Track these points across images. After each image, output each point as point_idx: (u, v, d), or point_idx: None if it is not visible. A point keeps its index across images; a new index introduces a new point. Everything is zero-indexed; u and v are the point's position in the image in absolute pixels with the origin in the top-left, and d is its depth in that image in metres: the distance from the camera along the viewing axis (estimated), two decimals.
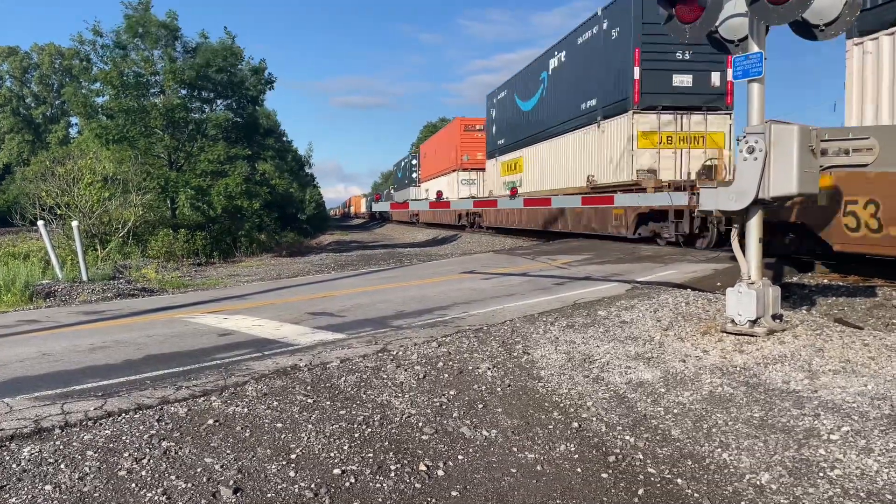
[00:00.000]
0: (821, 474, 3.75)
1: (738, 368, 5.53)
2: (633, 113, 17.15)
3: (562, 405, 5.12)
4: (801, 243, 11.18)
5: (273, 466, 4.02)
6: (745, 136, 6.01)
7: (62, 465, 4.01)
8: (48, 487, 3.73)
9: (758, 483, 3.72)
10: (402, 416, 4.87)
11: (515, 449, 4.33)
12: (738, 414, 4.65)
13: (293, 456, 4.17)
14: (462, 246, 26.95)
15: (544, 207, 21.42)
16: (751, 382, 5.21)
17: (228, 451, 4.23)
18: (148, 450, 4.23)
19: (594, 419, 4.81)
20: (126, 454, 4.16)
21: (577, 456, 4.21)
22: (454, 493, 3.73)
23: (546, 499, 3.68)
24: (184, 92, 24.60)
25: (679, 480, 3.82)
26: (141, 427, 4.62)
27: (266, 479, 3.85)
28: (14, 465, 4.00)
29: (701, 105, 17.49)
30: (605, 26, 18.79)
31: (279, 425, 4.68)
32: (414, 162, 52.22)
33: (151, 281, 14.15)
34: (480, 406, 5.11)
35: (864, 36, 10.05)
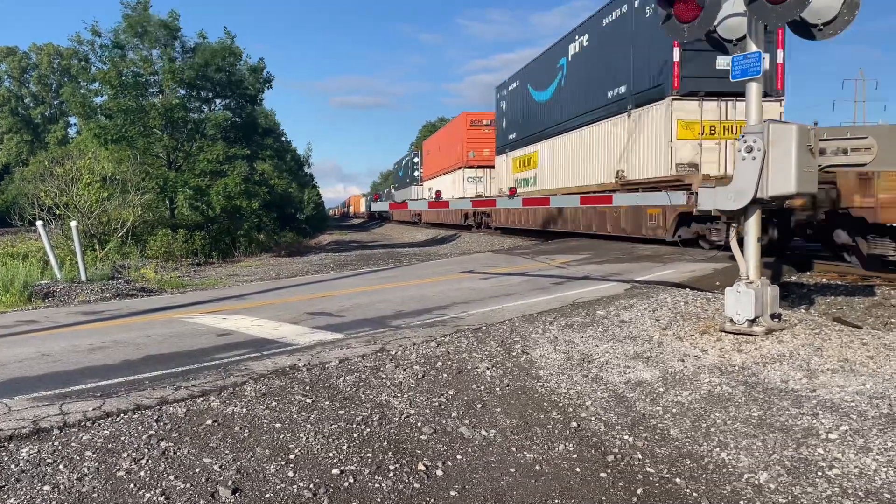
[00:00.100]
0: (819, 473, 3.76)
1: (736, 368, 5.53)
2: (672, 100, 15.12)
3: (561, 405, 5.12)
4: None
5: (272, 466, 4.02)
6: (743, 136, 6.02)
7: (61, 466, 4.00)
8: (46, 488, 3.73)
9: (756, 482, 3.73)
10: (401, 416, 4.87)
11: (514, 449, 4.34)
12: (737, 413, 4.66)
13: (292, 456, 4.17)
14: (461, 246, 26.96)
15: (564, 207, 20.28)
16: (749, 382, 5.21)
17: (227, 452, 4.23)
18: (146, 450, 4.23)
19: (593, 419, 4.81)
20: (125, 454, 4.16)
21: (575, 455, 4.21)
22: (453, 493, 3.73)
23: (545, 498, 3.68)
24: (182, 92, 24.59)
25: (678, 480, 3.83)
26: (140, 427, 4.62)
27: (265, 480, 3.85)
28: (13, 466, 4.00)
29: None
30: (636, 4, 16.88)
31: (278, 425, 4.68)
32: (416, 160, 50.82)
33: (150, 281, 14.14)
34: (479, 406, 5.11)
35: None
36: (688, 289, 9.41)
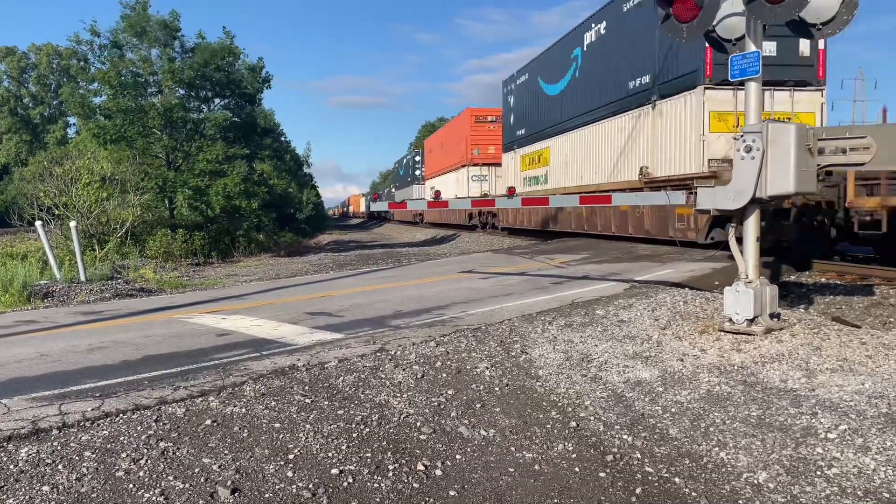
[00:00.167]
0: (818, 473, 3.76)
1: (735, 367, 5.53)
2: (705, 89, 13.88)
3: (560, 404, 5.13)
4: None
5: (271, 466, 4.02)
6: (742, 136, 6.02)
7: (60, 466, 4.00)
8: (46, 488, 3.73)
9: (755, 482, 3.73)
10: (401, 416, 4.87)
11: (513, 448, 4.34)
12: (736, 413, 4.66)
13: (291, 456, 4.17)
14: (461, 245, 26.97)
15: (583, 206, 18.99)
16: (748, 381, 5.21)
17: (226, 452, 4.23)
18: (146, 450, 4.23)
19: (592, 418, 4.81)
20: (124, 455, 4.16)
21: (574, 455, 4.22)
22: (452, 493, 3.73)
23: (544, 498, 3.68)
24: (182, 92, 24.58)
25: (677, 479, 3.83)
26: (139, 427, 4.61)
27: (264, 480, 3.85)
28: (11, 466, 4.00)
29: (787, 79, 14.13)
30: None
31: (277, 425, 4.68)
32: (417, 158, 49.66)
33: (149, 281, 14.14)
34: (478, 405, 5.12)
35: None
36: (687, 288, 9.42)
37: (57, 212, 18.66)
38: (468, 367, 6.06)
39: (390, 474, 3.93)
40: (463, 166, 33.43)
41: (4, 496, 3.64)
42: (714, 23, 6.55)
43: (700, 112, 14.12)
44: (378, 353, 6.56)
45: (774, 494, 3.58)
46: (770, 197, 5.99)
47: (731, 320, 6.29)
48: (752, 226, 6.26)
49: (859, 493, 3.53)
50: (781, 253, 12.06)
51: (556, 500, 3.66)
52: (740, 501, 3.55)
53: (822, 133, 6.15)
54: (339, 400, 5.23)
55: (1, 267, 13.11)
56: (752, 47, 6.16)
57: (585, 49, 20.00)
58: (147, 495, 3.65)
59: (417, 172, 49.00)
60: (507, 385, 5.59)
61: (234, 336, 7.68)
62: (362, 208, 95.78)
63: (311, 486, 3.77)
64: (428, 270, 15.12)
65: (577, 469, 4.02)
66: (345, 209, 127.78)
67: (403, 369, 6.01)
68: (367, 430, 4.61)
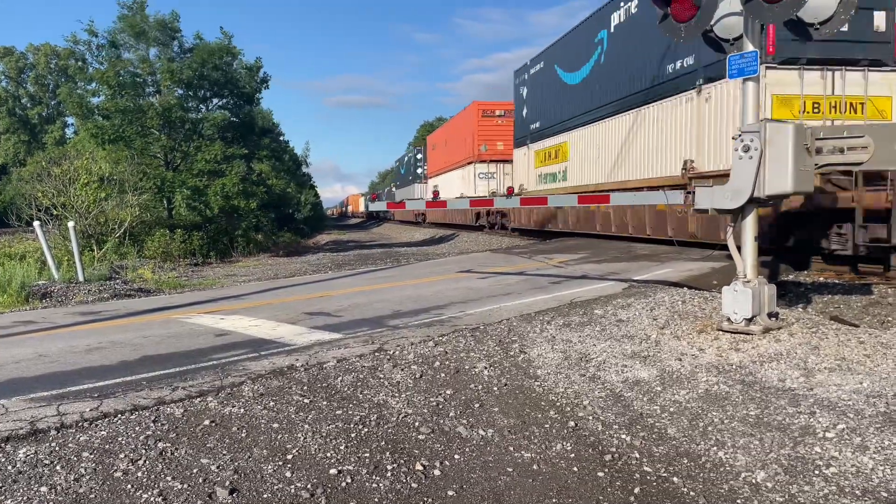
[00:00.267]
0: (816, 472, 3.76)
1: (733, 367, 5.54)
2: (766, 69, 11.88)
3: (558, 404, 5.13)
4: None
5: (269, 467, 4.01)
6: (740, 135, 6.03)
7: (58, 467, 4.00)
8: (44, 489, 3.72)
9: (753, 481, 3.73)
10: (399, 416, 4.87)
11: (512, 448, 4.34)
12: (734, 412, 4.66)
13: (289, 456, 4.17)
14: (459, 245, 26.95)
15: (612, 206, 17.35)
16: (747, 381, 5.22)
17: (225, 452, 4.23)
18: (144, 451, 4.23)
19: (590, 418, 4.81)
20: (122, 455, 4.16)
21: (573, 455, 4.22)
22: (450, 493, 3.73)
23: (542, 498, 3.68)
24: (180, 91, 24.55)
25: (675, 479, 3.83)
26: (137, 428, 4.61)
27: (262, 480, 3.85)
28: (10, 467, 3.99)
29: (860, 58, 12.25)
30: None
31: (275, 426, 4.67)
32: (419, 156, 47.24)
33: (148, 281, 14.13)
34: (477, 405, 5.12)
35: None
36: (685, 288, 9.43)
37: (55, 212, 18.65)
38: (466, 367, 6.06)
39: (388, 474, 3.93)
40: (469, 163, 31.31)
41: (3, 497, 3.63)
42: (712, 22, 6.55)
43: (759, 96, 12.52)
44: (376, 353, 6.56)
45: (773, 494, 3.59)
46: (768, 196, 5.99)
47: (729, 320, 6.30)
48: (749, 225, 6.27)
49: (857, 492, 3.53)
50: (780, 252, 12.06)
51: (554, 500, 3.66)
52: (739, 501, 3.55)
53: (820, 132, 6.15)
54: (338, 400, 5.23)
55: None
56: (750, 47, 6.16)
57: (612, 31, 17.88)
58: (145, 496, 3.65)
59: (419, 170, 46.90)
60: (505, 385, 5.59)
61: (233, 336, 7.67)
62: (361, 208, 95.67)
63: (309, 486, 3.77)
64: (426, 270, 15.12)
65: (575, 469, 4.03)
66: (343, 209, 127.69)
67: (402, 369, 6.01)
68: (366, 430, 4.61)
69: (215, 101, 26.34)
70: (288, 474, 3.91)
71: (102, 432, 4.54)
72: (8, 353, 6.99)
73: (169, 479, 3.85)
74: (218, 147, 24.00)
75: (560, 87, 21.58)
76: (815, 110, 12.23)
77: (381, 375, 5.85)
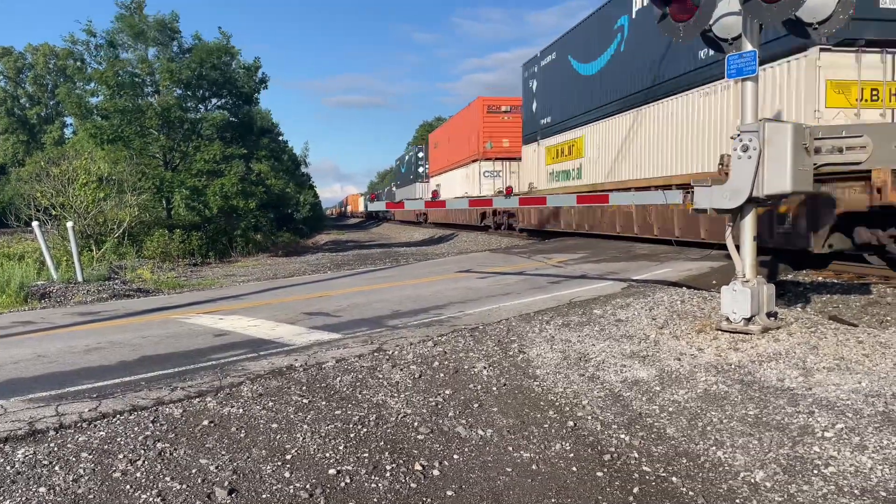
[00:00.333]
0: (815, 472, 3.76)
1: (732, 366, 5.54)
2: (820, 50, 10.70)
3: (557, 404, 5.13)
4: None
5: (268, 467, 4.01)
6: (738, 135, 6.03)
7: (56, 467, 4.00)
8: (42, 489, 3.72)
9: (752, 481, 3.73)
10: (398, 416, 4.87)
11: (511, 448, 4.34)
12: (733, 412, 4.66)
13: (288, 456, 4.17)
14: (459, 245, 26.95)
15: (620, 205, 16.49)
16: (745, 380, 5.22)
17: (223, 452, 4.23)
18: (143, 451, 4.23)
19: (589, 418, 4.81)
20: (121, 456, 4.15)
21: (572, 455, 4.22)
22: (449, 493, 3.73)
23: (541, 498, 3.68)
24: (178, 92, 24.53)
25: (674, 479, 3.83)
26: (136, 428, 4.61)
27: (261, 480, 3.85)
28: (8, 468, 3.99)
29: None
30: None
31: (274, 426, 4.67)
32: (420, 154, 46.18)
33: (147, 281, 14.12)
34: (476, 405, 5.12)
35: None
36: (684, 287, 9.43)
37: (54, 212, 18.64)
38: (466, 367, 6.06)
39: (388, 474, 3.93)
40: (474, 161, 29.92)
41: (1, 498, 3.63)
42: (710, 22, 6.55)
43: (813, 81, 10.85)
44: (375, 353, 6.56)
45: (771, 493, 3.59)
46: (767, 196, 6.00)
47: (728, 319, 6.30)
48: (748, 225, 6.27)
49: (856, 491, 3.53)
50: (778, 252, 12.06)
51: (553, 500, 3.66)
52: (737, 500, 3.55)
53: (818, 132, 6.16)
54: (337, 400, 5.23)
55: None
56: (748, 46, 6.16)
57: (634, 17, 16.55)
58: (144, 496, 3.64)
59: (421, 169, 45.84)
60: (504, 385, 5.59)
61: (232, 336, 7.67)
62: (361, 208, 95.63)
63: (308, 486, 3.77)
64: (426, 270, 15.12)
65: (574, 469, 4.03)
66: (342, 209, 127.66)
67: (401, 369, 6.01)
68: (365, 430, 4.61)
69: (214, 101, 26.33)
70: (287, 474, 3.91)
71: (101, 433, 4.53)
72: (6, 354, 6.98)
73: (168, 479, 3.85)
74: (217, 147, 24.00)
75: (574, 78, 20.15)
76: (874, 97, 10.86)
77: (380, 375, 5.85)
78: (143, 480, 3.83)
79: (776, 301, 6.60)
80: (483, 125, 29.08)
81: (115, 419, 4.79)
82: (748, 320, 6.17)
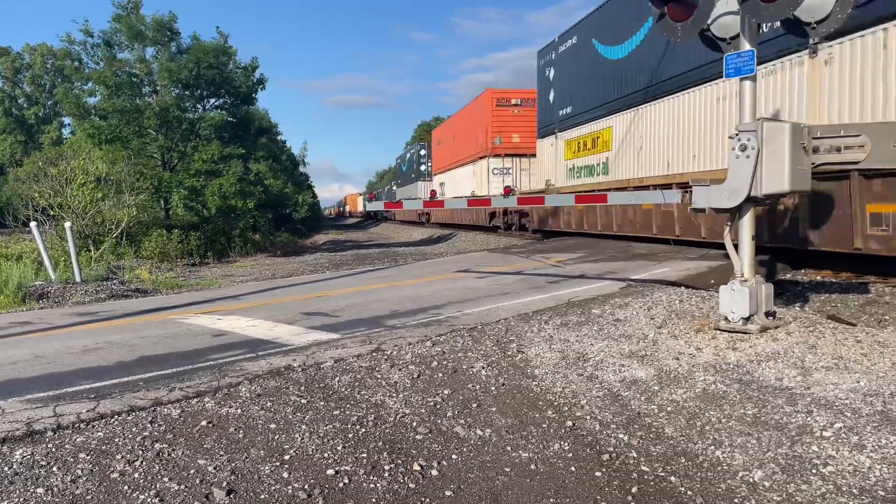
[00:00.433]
0: (813, 471, 3.76)
1: (731, 366, 5.54)
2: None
3: (556, 404, 5.13)
4: None
5: (266, 467, 4.01)
6: (737, 134, 6.03)
7: (54, 468, 3.99)
8: (40, 490, 3.71)
9: (751, 480, 3.73)
10: (397, 416, 4.87)
11: (509, 448, 4.33)
12: (732, 411, 4.66)
13: (287, 457, 4.16)
14: (457, 245, 26.94)
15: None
16: (744, 380, 5.22)
17: (222, 453, 4.22)
18: (140, 452, 4.22)
19: (588, 417, 4.81)
20: (118, 456, 4.15)
21: (570, 454, 4.21)
22: (448, 493, 3.72)
23: (540, 498, 3.68)
24: (176, 92, 24.50)
25: (672, 478, 3.83)
26: (134, 429, 4.60)
27: (259, 481, 3.84)
28: (6, 468, 3.98)
29: None
30: None
31: (273, 426, 4.67)
32: (423, 152, 44.81)
33: (145, 282, 14.10)
34: (475, 405, 5.11)
35: None
36: (683, 287, 9.43)
37: (52, 212, 18.61)
38: (464, 367, 6.06)
39: (386, 475, 3.92)
40: (481, 158, 27.97)
41: None
42: (709, 21, 6.55)
43: None
44: (374, 354, 6.56)
45: (770, 493, 3.59)
46: (765, 196, 6.00)
47: (726, 319, 6.30)
48: (747, 224, 6.27)
49: (854, 490, 3.53)
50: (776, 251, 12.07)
51: (552, 500, 3.66)
52: (736, 500, 3.55)
53: (817, 131, 6.16)
54: (335, 400, 5.22)
55: None
56: (746, 46, 6.16)
57: None
58: (142, 497, 3.64)
59: (423, 168, 44.32)
60: (503, 384, 5.59)
61: (230, 336, 7.66)
62: (360, 208, 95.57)
63: (306, 486, 3.76)
64: (424, 270, 15.12)
65: (573, 468, 4.02)
66: (341, 209, 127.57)
67: (399, 369, 6.00)
68: (363, 430, 4.61)
69: (212, 101, 26.29)
70: (285, 475, 3.91)
71: (99, 433, 4.53)
72: (4, 354, 6.97)
73: (166, 480, 3.84)
74: (215, 147, 23.97)
75: (600, 63, 18.09)
76: None
77: (379, 375, 5.84)
78: (141, 481, 3.83)
79: (775, 300, 6.61)
80: (492, 119, 27.18)
81: (113, 420, 4.78)
82: (746, 320, 6.17)
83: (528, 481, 3.87)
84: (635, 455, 4.15)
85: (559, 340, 6.85)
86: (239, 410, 4.97)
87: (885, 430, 4.12)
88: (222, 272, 17.69)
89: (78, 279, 13.17)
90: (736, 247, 6.35)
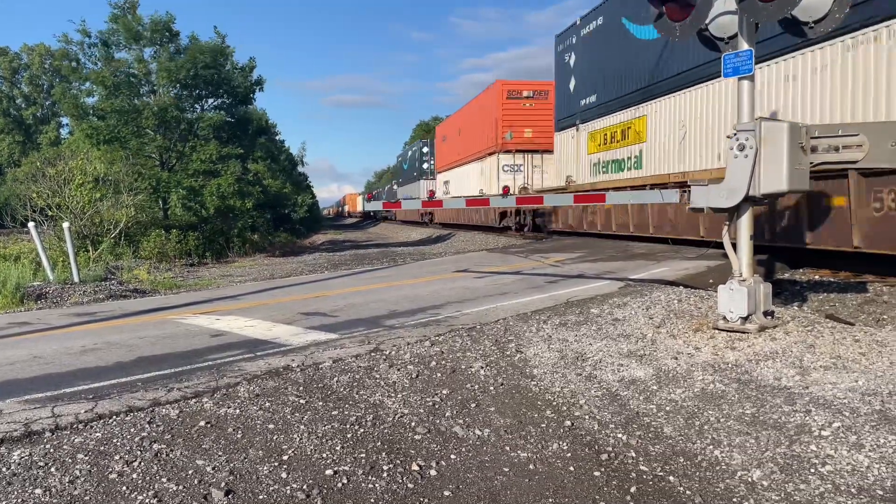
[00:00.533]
0: (812, 470, 3.77)
1: (729, 365, 5.54)
2: None
3: (554, 403, 5.13)
4: None
5: (265, 468, 4.00)
6: (735, 134, 6.03)
7: (52, 469, 3.98)
8: (38, 491, 3.71)
9: (749, 480, 3.73)
10: (395, 416, 4.87)
11: (508, 448, 4.33)
12: (730, 411, 4.66)
13: (285, 457, 4.16)
14: (456, 245, 26.93)
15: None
16: (742, 379, 5.22)
17: (220, 453, 4.22)
18: (139, 452, 4.21)
19: (587, 417, 4.81)
20: (117, 457, 4.14)
21: (569, 454, 4.21)
22: (447, 493, 3.72)
23: (538, 497, 3.68)
24: (175, 92, 24.47)
25: (671, 478, 3.83)
26: (132, 429, 4.60)
27: (258, 481, 3.84)
28: (4, 469, 3.98)
29: None
30: None
31: (271, 426, 4.66)
32: (425, 150, 43.06)
33: (143, 282, 14.09)
34: (473, 405, 5.11)
35: None
36: (681, 287, 9.43)
37: (50, 213, 18.59)
38: (463, 367, 6.06)
39: (385, 475, 3.92)
40: (490, 154, 26.20)
41: None
42: (707, 21, 6.56)
43: None
44: (373, 354, 6.55)
45: (768, 492, 3.59)
46: (763, 195, 6.01)
47: (725, 318, 6.30)
48: (745, 224, 6.28)
49: (853, 490, 3.53)
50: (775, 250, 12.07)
51: (550, 500, 3.66)
52: (735, 499, 3.55)
53: (815, 131, 6.16)
54: (334, 400, 5.22)
55: None
56: (744, 45, 6.16)
57: None
58: (140, 497, 3.63)
59: (426, 166, 42.69)
60: (501, 384, 5.59)
61: (229, 337, 7.66)
62: (358, 208, 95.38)
63: (305, 487, 3.76)
64: (423, 270, 15.11)
65: (571, 468, 4.02)
66: (340, 209, 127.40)
67: (398, 369, 6.00)
68: (362, 430, 4.60)
69: (210, 101, 26.26)
70: (284, 475, 3.91)
71: (97, 434, 4.52)
72: (2, 355, 6.96)
73: (164, 480, 3.83)
74: (213, 147, 23.94)
75: (631, 45, 16.17)
76: None
77: (378, 376, 5.84)
78: (140, 482, 3.82)
79: (773, 300, 6.61)
80: (503, 113, 25.31)
81: (111, 420, 4.78)
82: (745, 319, 6.17)
83: (527, 481, 3.87)
84: (634, 455, 4.15)
85: (558, 340, 6.85)
86: (237, 411, 4.97)
87: (884, 429, 4.12)
88: (221, 272, 17.67)
89: (76, 279, 13.15)
90: (734, 246, 6.36)
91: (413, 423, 4.72)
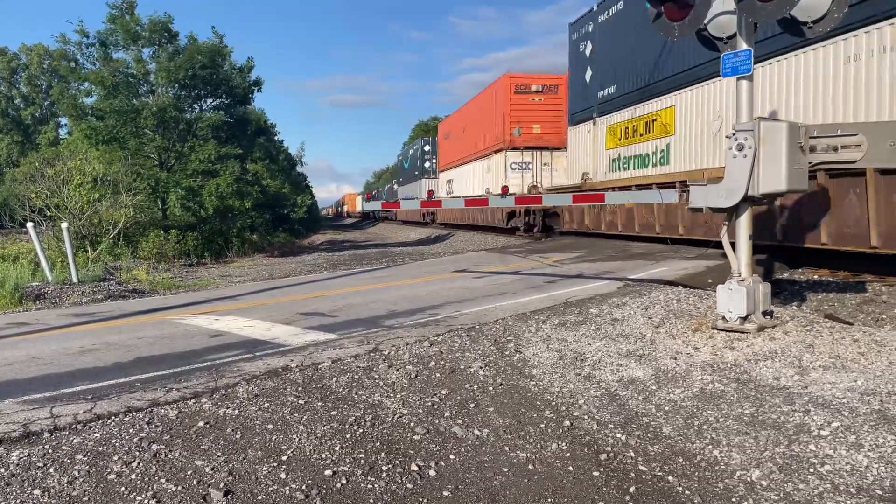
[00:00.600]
0: (811, 470, 3.77)
1: (728, 365, 5.54)
2: None
3: (553, 403, 5.12)
4: None
5: (264, 468, 4.00)
6: (734, 134, 6.04)
7: (51, 469, 3.98)
8: (37, 492, 3.70)
9: (748, 479, 3.73)
10: (394, 417, 4.86)
11: (507, 448, 4.33)
12: (729, 410, 4.66)
13: (284, 457, 4.16)
14: (455, 245, 26.92)
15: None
16: (741, 379, 5.22)
17: (219, 454, 4.21)
18: (138, 453, 4.21)
19: (586, 417, 4.81)
20: (116, 457, 4.14)
21: (568, 454, 4.21)
22: (446, 493, 3.72)
23: (538, 497, 3.68)
24: (172, 92, 24.45)
25: (670, 478, 3.83)
26: (131, 430, 4.59)
27: (257, 481, 3.83)
28: (2, 470, 3.97)
29: None
30: None
31: (270, 427, 4.66)
32: (427, 148, 41.80)
33: (142, 282, 14.08)
34: (472, 405, 5.11)
35: None
36: (680, 286, 9.43)
37: (49, 213, 18.57)
38: (462, 367, 6.06)
39: (384, 475, 3.92)
40: (497, 151, 24.97)
41: None
42: (705, 21, 6.56)
43: None
44: (372, 354, 6.55)
45: (767, 492, 3.59)
46: (762, 195, 6.01)
47: (724, 318, 6.30)
48: (744, 224, 6.28)
49: (852, 489, 3.53)
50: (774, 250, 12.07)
51: (550, 500, 3.65)
52: (734, 499, 3.55)
53: (813, 131, 6.17)
54: (333, 401, 5.21)
55: None
56: (743, 45, 6.16)
57: None
58: (139, 498, 3.63)
59: (428, 164, 41.42)
60: (500, 384, 5.59)
61: (227, 337, 7.65)
62: (357, 208, 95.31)
63: (304, 487, 3.76)
64: (422, 270, 15.11)
65: (570, 468, 4.02)
66: (339, 209, 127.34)
67: (397, 369, 6.00)
68: (361, 430, 4.60)
69: (209, 101, 26.24)
70: (283, 475, 3.90)
71: (96, 434, 4.51)
72: (1, 356, 6.95)
73: (163, 480, 3.83)
74: (212, 147, 23.92)
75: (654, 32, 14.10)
76: None
77: (377, 376, 5.83)
78: (139, 482, 3.82)
79: (772, 299, 6.61)
80: (510, 108, 23.99)
81: (109, 421, 4.77)
82: (744, 319, 6.17)
83: (526, 481, 3.87)
84: (633, 455, 4.15)
85: (557, 340, 6.85)
86: (236, 411, 4.96)
87: (883, 428, 4.12)
88: (220, 272, 17.66)
89: (75, 280, 13.14)
90: (733, 246, 6.36)
91: (412, 424, 4.72)
